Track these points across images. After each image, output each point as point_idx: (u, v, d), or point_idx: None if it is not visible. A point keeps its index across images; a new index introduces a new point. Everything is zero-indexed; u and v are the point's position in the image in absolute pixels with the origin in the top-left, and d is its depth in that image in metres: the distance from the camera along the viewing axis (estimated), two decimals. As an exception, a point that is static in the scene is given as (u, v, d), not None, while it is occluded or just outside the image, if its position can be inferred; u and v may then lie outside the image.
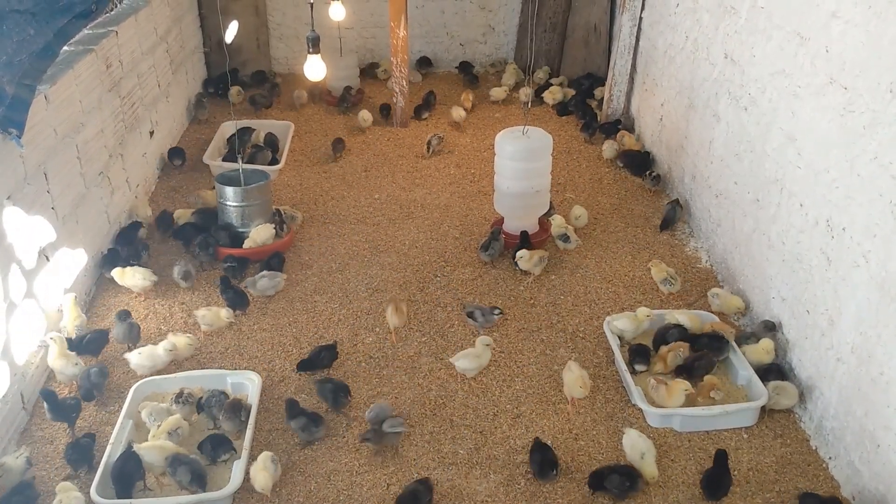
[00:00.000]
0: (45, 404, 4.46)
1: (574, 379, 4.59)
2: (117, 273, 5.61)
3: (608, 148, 7.75)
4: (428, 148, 7.81)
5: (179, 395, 4.54)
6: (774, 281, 5.04)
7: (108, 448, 4.21)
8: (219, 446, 4.29)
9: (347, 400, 4.66)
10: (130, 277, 5.57)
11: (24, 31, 4.07)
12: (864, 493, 3.99)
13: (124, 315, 5.16)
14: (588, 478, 4.11)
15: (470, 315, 5.28)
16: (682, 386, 4.50)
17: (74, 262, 5.44)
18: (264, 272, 5.67)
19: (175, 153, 7.57)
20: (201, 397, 4.61)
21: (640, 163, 7.42)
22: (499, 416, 4.67)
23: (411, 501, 3.97)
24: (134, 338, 5.10)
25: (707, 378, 4.71)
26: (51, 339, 4.72)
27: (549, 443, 4.36)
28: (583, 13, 9.48)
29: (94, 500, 3.93)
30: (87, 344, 4.96)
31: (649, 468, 4.14)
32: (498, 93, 9.25)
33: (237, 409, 4.48)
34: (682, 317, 5.12)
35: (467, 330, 5.39)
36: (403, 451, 4.42)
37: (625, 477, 4.06)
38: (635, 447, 4.20)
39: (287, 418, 4.47)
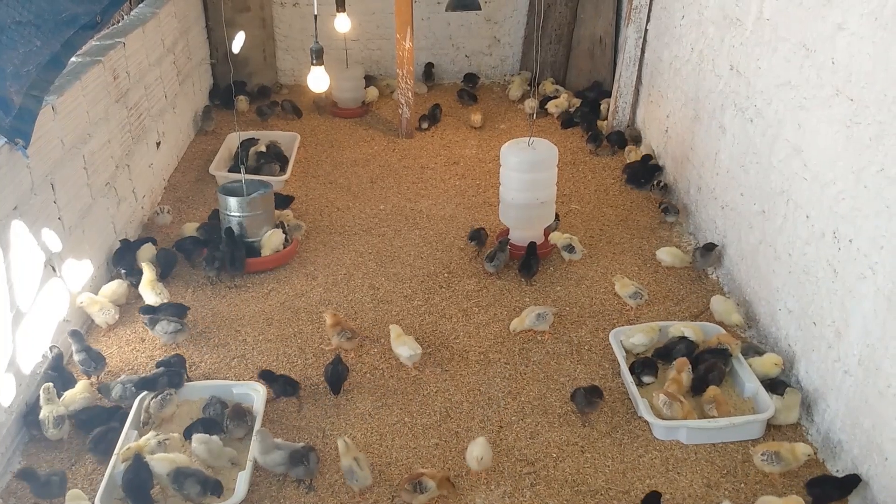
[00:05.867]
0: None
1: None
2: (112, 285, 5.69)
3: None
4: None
5: (159, 394, 4.59)
6: (781, 293, 5.02)
7: (113, 459, 4.20)
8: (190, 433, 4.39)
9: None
10: (109, 286, 5.63)
11: (31, 43, 4.08)
12: (872, 506, 3.96)
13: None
14: None
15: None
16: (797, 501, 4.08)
17: (80, 271, 5.45)
18: (165, 319, 5.22)
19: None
20: (206, 405, 4.66)
21: (643, 174, 7.40)
22: (504, 428, 4.66)
23: None
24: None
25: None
26: (143, 264, 5.64)
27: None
28: (588, 25, 9.51)
29: (98, 510, 3.93)
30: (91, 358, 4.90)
31: None
32: (514, 92, 9.63)
33: (241, 414, 4.51)
34: (688, 329, 5.11)
35: (472, 341, 5.39)
36: (409, 463, 4.41)
37: None
38: None
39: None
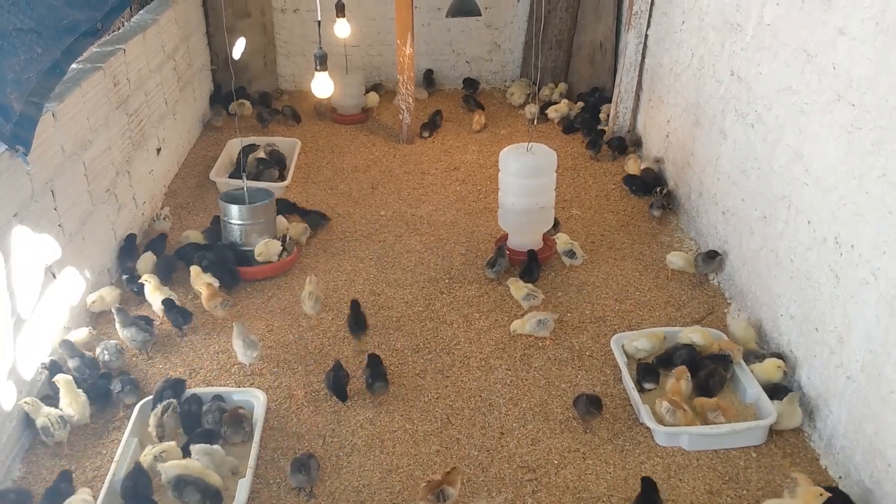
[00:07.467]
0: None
1: None
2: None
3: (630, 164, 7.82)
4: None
5: (167, 407, 4.53)
6: (782, 298, 5.01)
7: (113, 466, 4.19)
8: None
9: None
10: (99, 291, 5.59)
11: (32, 50, 4.08)
12: (875, 513, 3.94)
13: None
14: None
15: None
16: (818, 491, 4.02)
17: (81, 278, 5.45)
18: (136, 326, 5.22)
19: None
20: (205, 411, 4.63)
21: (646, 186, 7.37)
22: (505, 434, 4.64)
23: None
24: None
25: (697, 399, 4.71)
26: (146, 280, 5.62)
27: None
28: (588, 31, 9.51)
29: (98, 518, 3.92)
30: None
31: None
32: (516, 99, 9.64)
33: (238, 419, 4.50)
34: (696, 335, 5.09)
35: (473, 347, 5.38)
36: (410, 470, 4.39)
37: None
38: None
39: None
